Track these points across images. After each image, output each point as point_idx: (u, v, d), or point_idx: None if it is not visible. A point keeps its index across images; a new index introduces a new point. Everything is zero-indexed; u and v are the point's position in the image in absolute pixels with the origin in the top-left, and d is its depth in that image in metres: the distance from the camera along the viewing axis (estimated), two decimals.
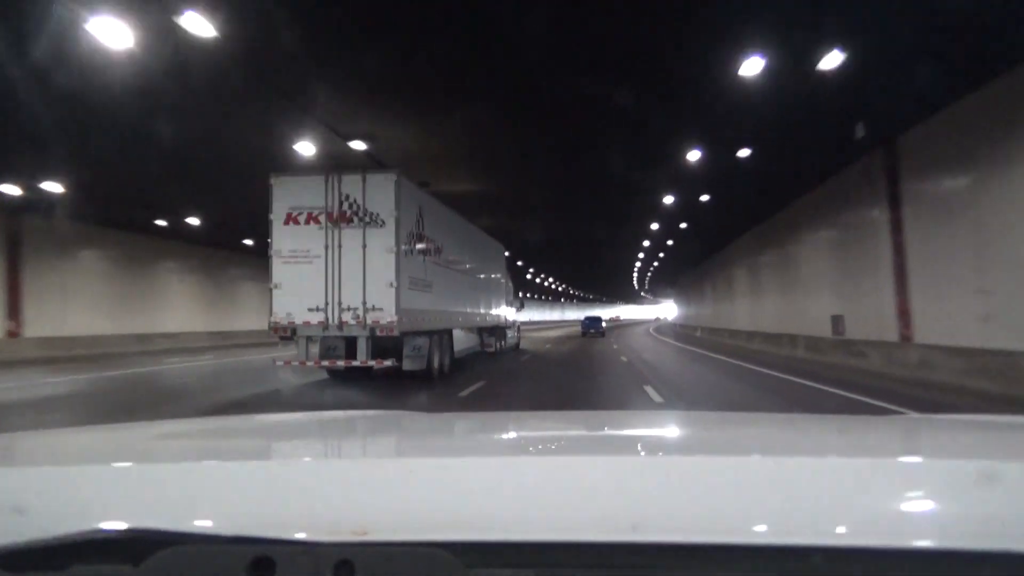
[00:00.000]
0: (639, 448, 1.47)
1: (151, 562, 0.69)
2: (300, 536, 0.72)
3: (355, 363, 11.25)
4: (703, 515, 0.79)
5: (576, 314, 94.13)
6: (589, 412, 4.73)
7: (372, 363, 11.25)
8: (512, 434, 1.70)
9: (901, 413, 7.45)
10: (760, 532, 0.76)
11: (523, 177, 18.04)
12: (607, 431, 1.76)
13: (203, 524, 0.78)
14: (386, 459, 1.30)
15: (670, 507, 0.82)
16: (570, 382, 13.67)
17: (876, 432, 1.58)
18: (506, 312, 22.00)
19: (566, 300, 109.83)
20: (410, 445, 1.54)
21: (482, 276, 18.31)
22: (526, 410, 6.48)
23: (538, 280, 65.53)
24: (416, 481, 0.93)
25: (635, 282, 66.86)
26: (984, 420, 1.76)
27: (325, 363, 11.45)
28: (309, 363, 11.46)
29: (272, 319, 11.27)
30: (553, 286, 79.26)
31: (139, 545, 0.70)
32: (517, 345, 24.74)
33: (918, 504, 0.84)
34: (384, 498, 0.86)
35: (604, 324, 46.33)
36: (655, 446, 1.51)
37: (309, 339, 11.37)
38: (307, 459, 1.32)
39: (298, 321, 11.14)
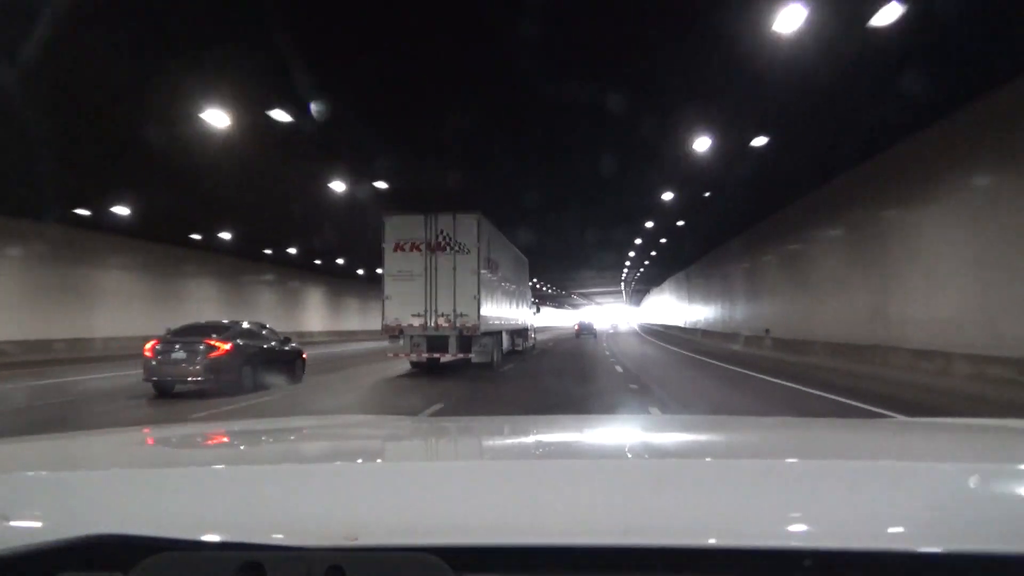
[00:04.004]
0: (629, 452, 1.49)
1: (139, 569, 0.68)
2: (290, 541, 0.72)
3: (447, 355, 15.10)
4: (694, 518, 0.80)
5: (547, 316, 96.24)
6: (579, 416, 5.12)
7: (460, 355, 15.09)
8: (502, 439, 1.74)
9: None
10: (751, 535, 0.76)
11: (508, 179, 17.95)
12: (597, 435, 1.80)
13: (191, 530, 0.76)
14: (376, 463, 1.32)
15: (661, 511, 0.84)
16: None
17: (867, 435, 1.64)
18: (528, 317, 26.00)
19: (540, 301, 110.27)
20: (400, 450, 1.56)
21: (517, 288, 22.28)
22: (517, 414, 7.22)
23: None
24: (406, 485, 0.97)
25: (622, 281, 69.72)
26: (971, 424, 1.84)
27: (425, 355, 15.26)
28: (412, 355, 15.32)
29: (384, 322, 15.13)
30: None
31: (127, 552, 0.69)
32: (533, 346, 28.48)
33: (910, 506, 0.84)
34: (374, 503, 0.88)
35: (597, 329, 50.66)
36: (645, 450, 1.52)
37: (411, 337, 15.18)
38: (296, 463, 1.31)
39: (404, 323, 14.98)
